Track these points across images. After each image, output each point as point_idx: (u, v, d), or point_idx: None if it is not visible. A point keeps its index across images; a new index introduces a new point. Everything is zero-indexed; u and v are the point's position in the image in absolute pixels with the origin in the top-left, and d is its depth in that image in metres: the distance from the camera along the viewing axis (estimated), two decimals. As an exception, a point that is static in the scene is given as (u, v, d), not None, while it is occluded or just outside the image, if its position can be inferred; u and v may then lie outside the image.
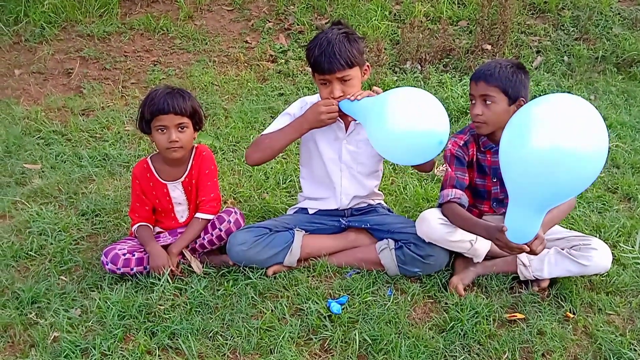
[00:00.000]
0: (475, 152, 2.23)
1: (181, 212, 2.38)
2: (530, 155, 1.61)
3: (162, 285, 2.13)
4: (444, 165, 2.26)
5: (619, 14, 4.78)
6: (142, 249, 2.25)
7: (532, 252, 1.89)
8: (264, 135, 2.26)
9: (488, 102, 2.06)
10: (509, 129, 1.72)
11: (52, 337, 1.94)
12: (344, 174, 2.33)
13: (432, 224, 2.12)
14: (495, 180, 2.23)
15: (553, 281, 2.16)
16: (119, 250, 2.20)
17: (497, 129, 2.09)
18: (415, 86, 3.64)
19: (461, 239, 2.12)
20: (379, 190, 2.48)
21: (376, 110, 1.98)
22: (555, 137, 1.56)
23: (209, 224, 2.28)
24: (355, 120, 2.24)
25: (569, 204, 2.17)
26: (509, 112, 2.02)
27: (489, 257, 2.21)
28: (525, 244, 1.87)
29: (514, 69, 2.07)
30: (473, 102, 2.12)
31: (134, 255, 2.21)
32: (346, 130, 2.29)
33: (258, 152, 2.23)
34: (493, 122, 2.08)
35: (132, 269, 2.19)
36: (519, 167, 1.67)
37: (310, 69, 2.25)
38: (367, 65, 2.22)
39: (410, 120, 1.91)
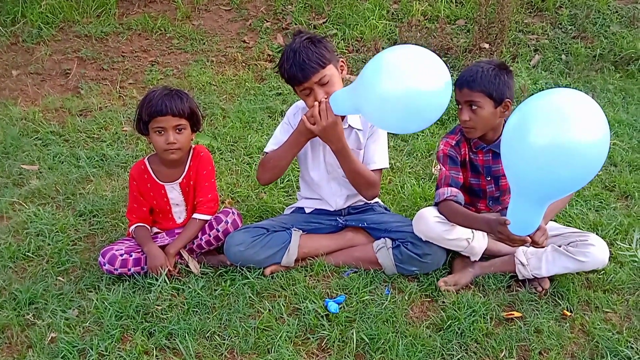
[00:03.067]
0: (467, 152, 2.24)
1: (179, 213, 2.38)
2: (532, 150, 1.60)
3: (159, 285, 2.13)
4: (439, 165, 2.26)
5: (616, 12, 4.78)
6: (140, 250, 2.25)
7: (535, 243, 1.88)
8: (268, 155, 2.27)
9: (474, 108, 2.07)
10: (510, 123, 1.71)
11: (49, 338, 1.94)
12: (331, 176, 2.33)
13: (429, 223, 2.12)
14: (489, 178, 2.24)
15: (550, 279, 2.16)
16: (116, 250, 2.20)
17: (487, 131, 2.12)
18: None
19: (458, 237, 2.13)
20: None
21: (364, 87, 1.88)
22: (557, 132, 1.56)
23: (207, 225, 2.29)
24: (345, 126, 2.22)
25: (569, 194, 2.17)
26: (496, 115, 2.07)
27: (486, 256, 2.22)
28: (527, 235, 1.87)
29: (496, 71, 2.06)
30: (460, 107, 2.12)
31: (131, 256, 2.21)
32: None
33: (267, 173, 2.27)
34: (481, 126, 2.10)
35: (129, 270, 2.19)
36: (521, 162, 1.66)
37: (290, 86, 2.19)
38: (342, 61, 2.21)
39: (407, 77, 1.79)
